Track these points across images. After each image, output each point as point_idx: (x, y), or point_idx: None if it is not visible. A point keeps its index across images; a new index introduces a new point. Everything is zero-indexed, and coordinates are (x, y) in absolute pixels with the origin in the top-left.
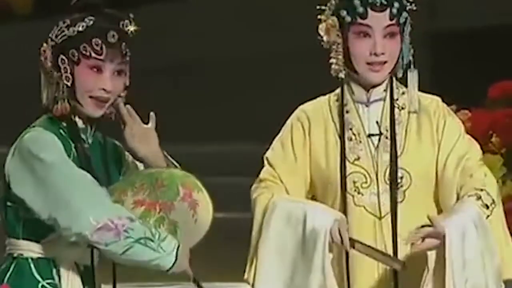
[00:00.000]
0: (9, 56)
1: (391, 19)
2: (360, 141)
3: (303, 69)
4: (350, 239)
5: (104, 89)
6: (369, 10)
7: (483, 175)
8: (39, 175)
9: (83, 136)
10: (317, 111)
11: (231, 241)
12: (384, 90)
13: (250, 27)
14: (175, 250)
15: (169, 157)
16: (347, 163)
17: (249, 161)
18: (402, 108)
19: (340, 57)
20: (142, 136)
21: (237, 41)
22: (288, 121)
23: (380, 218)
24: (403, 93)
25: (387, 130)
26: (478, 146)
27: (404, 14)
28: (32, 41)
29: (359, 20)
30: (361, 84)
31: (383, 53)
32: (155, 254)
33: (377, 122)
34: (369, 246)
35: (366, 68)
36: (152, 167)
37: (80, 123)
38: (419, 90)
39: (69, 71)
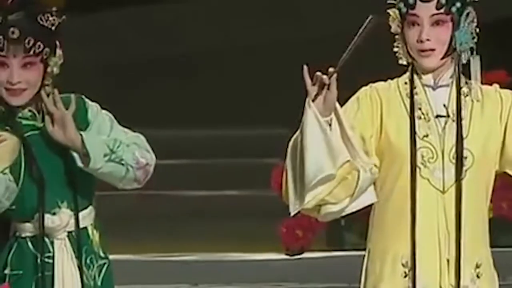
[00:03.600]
0: None
1: (438, 8)
2: (429, 120)
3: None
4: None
5: (10, 82)
6: (417, 1)
7: None
8: None
9: (32, 122)
10: (387, 90)
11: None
12: (450, 77)
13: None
14: None
15: (85, 142)
16: (417, 138)
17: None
18: (467, 95)
19: (401, 45)
20: (60, 121)
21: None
22: (354, 99)
23: (443, 192)
24: (466, 82)
25: (453, 114)
26: None
27: (458, 4)
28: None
29: (410, 11)
30: (422, 69)
31: (428, 40)
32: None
33: (444, 105)
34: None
35: (417, 54)
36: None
37: (26, 112)
38: None
39: None
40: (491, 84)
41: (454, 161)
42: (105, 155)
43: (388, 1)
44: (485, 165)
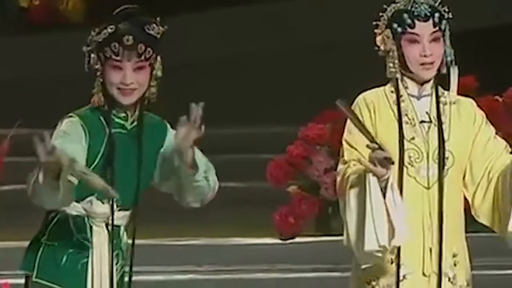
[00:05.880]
0: (66, 57)
1: (434, 27)
2: (414, 125)
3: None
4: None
5: (123, 83)
6: (416, 21)
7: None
8: None
9: (123, 123)
10: (378, 98)
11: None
12: (431, 88)
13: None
14: None
15: (195, 154)
16: (404, 141)
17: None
18: (445, 104)
19: (396, 61)
20: (188, 131)
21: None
22: (355, 107)
23: (428, 188)
24: (442, 92)
25: (435, 119)
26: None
27: (444, 22)
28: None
29: (409, 30)
30: (415, 81)
31: (431, 55)
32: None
33: (426, 112)
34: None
35: (419, 68)
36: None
37: (120, 112)
38: None
39: (100, 69)
40: (461, 91)
41: (437, 161)
42: (204, 171)
43: (375, 23)
44: (463, 166)
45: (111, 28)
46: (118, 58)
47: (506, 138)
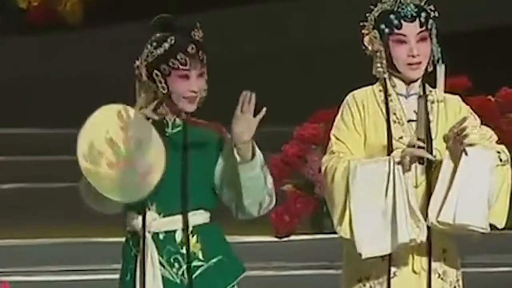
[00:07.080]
0: (64, 58)
1: (421, 27)
2: (403, 124)
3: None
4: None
5: (193, 91)
6: (402, 21)
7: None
8: None
9: (164, 129)
10: (367, 97)
11: None
12: (419, 86)
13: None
14: None
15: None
16: (393, 140)
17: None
18: (432, 102)
19: (384, 61)
20: (244, 122)
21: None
22: (344, 104)
23: (416, 186)
24: (430, 91)
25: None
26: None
27: (430, 21)
28: (83, 46)
29: (396, 31)
30: (402, 80)
31: (418, 55)
32: None
33: (414, 111)
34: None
35: (406, 68)
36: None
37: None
38: None
39: (163, 82)
40: (455, 91)
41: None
42: (261, 165)
43: (362, 24)
44: None
45: (171, 39)
46: (186, 67)
47: (499, 136)
